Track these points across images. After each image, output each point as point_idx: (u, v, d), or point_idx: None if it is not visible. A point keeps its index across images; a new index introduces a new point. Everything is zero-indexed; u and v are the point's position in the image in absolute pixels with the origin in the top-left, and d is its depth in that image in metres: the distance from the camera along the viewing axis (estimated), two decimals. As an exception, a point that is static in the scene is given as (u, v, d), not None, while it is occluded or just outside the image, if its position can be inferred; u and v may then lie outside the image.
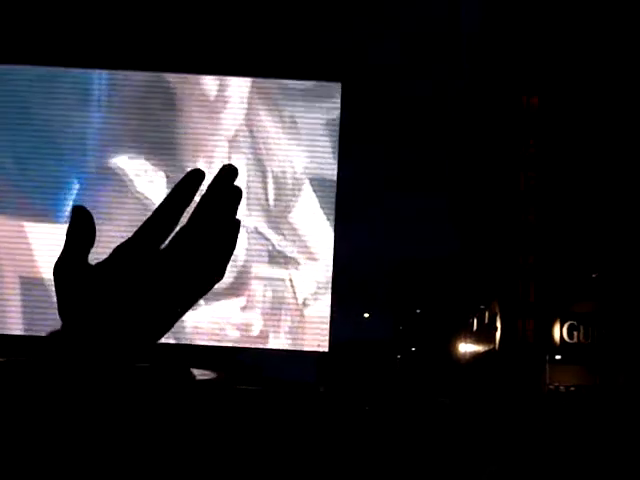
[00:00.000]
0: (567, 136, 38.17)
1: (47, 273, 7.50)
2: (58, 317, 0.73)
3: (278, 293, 10.92)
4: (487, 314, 44.38)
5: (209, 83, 11.49)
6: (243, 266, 11.09)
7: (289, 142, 11.51)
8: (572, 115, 38.14)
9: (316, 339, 10.84)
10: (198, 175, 0.77)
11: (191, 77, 11.43)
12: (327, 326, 10.80)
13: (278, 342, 11.00)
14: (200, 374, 4.88)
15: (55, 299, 0.74)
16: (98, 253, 0.80)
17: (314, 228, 11.05)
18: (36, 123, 11.22)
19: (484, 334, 44.33)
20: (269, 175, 11.17)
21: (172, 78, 11.56)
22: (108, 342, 0.68)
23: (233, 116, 11.52)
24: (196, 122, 11.36)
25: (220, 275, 0.75)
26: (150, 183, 11.40)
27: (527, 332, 38.77)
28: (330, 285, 10.83)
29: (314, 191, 11.39)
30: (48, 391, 0.66)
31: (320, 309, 10.86)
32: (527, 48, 39.91)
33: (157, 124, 11.36)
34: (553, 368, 37.25)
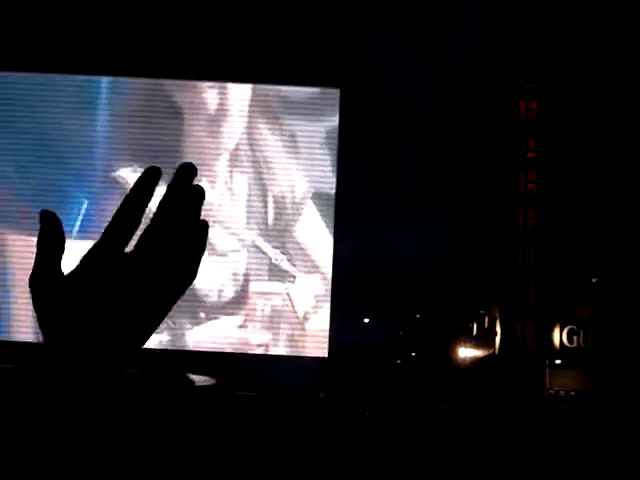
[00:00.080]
0: (567, 140, 38.18)
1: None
2: None
3: (279, 305, 10.92)
4: (487, 319, 44.33)
5: (210, 98, 11.50)
6: (244, 280, 11.10)
7: (288, 155, 11.51)
8: (571, 119, 38.15)
9: (316, 345, 10.83)
10: (154, 173, 0.75)
11: (194, 93, 11.44)
12: (327, 333, 10.80)
13: (279, 349, 10.99)
14: (200, 380, 4.88)
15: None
16: None
17: (315, 237, 11.05)
18: (54, 146, 11.26)
19: (484, 339, 44.28)
20: (269, 190, 11.17)
21: (177, 96, 11.58)
22: (89, 351, 0.67)
23: (234, 130, 11.52)
24: (198, 136, 11.37)
25: (192, 277, 0.74)
26: (154, 196, 11.39)
27: (527, 337, 38.73)
28: (330, 294, 10.86)
29: (313, 200, 11.39)
30: (34, 400, 0.66)
31: (321, 317, 10.86)
32: (526, 52, 39.94)
33: (161, 137, 11.37)
34: (553, 372, 37.20)
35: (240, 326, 10.69)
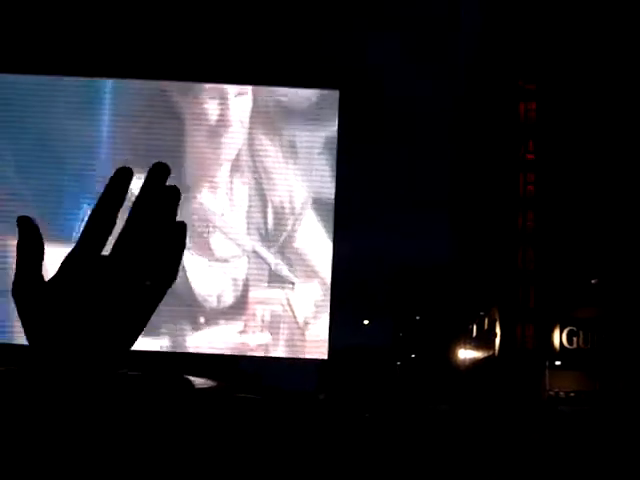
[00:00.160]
0: (566, 142, 38.19)
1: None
2: None
3: (279, 310, 10.96)
4: (487, 320, 44.33)
5: (212, 108, 11.54)
6: (244, 286, 11.14)
7: (288, 163, 11.56)
8: (571, 120, 38.18)
9: (316, 347, 10.85)
10: (126, 174, 0.74)
11: (195, 103, 11.49)
12: (326, 335, 10.83)
13: (278, 350, 11.01)
14: (200, 383, 4.88)
15: None
16: None
17: (314, 243, 11.09)
18: (55, 149, 11.28)
19: (484, 340, 44.28)
20: (269, 197, 11.21)
21: (180, 104, 11.62)
22: (75, 355, 0.67)
23: (235, 139, 11.56)
24: (199, 144, 11.41)
25: (172, 278, 0.73)
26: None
27: (527, 338, 38.73)
28: (329, 297, 10.89)
29: (313, 206, 11.42)
30: (24, 403, 0.66)
31: (320, 320, 10.89)
32: (525, 54, 39.97)
33: (162, 142, 11.40)
34: (553, 374, 37.19)
35: (240, 331, 10.73)
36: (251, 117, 11.28)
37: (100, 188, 0.74)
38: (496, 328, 41.40)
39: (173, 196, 0.73)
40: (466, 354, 47.09)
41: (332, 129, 11.22)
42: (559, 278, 37.27)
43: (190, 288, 10.46)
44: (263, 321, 10.79)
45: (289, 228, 10.90)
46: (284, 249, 10.83)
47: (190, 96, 11.53)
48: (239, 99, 11.42)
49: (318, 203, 10.99)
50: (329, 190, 11.03)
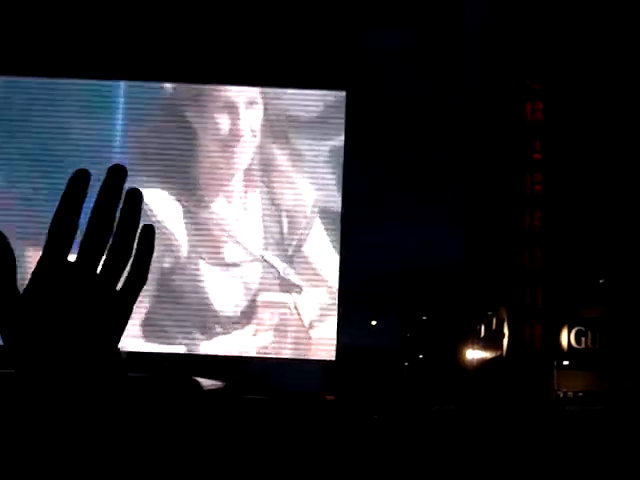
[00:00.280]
0: (573, 141, 38.11)
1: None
2: None
3: (287, 313, 11.03)
4: (494, 320, 44.26)
5: (223, 117, 11.62)
6: (255, 292, 11.22)
7: (297, 173, 11.65)
8: (578, 120, 38.09)
9: (324, 349, 10.88)
10: (83, 176, 0.72)
11: (208, 117, 11.59)
12: (334, 336, 10.87)
13: (287, 351, 11.06)
14: (208, 384, 4.89)
15: None
16: None
17: (322, 250, 11.16)
18: (61, 157, 11.31)
19: (491, 340, 44.20)
20: (279, 207, 11.30)
21: (190, 113, 11.69)
22: (58, 363, 0.67)
23: (246, 150, 11.65)
24: (211, 155, 11.50)
25: (142, 281, 0.72)
26: (168, 212, 11.50)
27: (535, 338, 38.64)
28: (337, 300, 10.95)
29: (320, 214, 11.49)
30: (17, 407, 0.66)
31: (328, 322, 10.93)
32: (532, 54, 39.90)
33: (174, 155, 11.47)
34: (561, 374, 37.11)
35: (250, 334, 10.82)
36: (262, 126, 11.42)
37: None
38: (504, 328, 41.32)
39: (134, 199, 0.72)
40: (474, 354, 47.01)
41: (339, 138, 11.37)
42: (567, 278, 37.18)
43: (203, 293, 10.50)
44: (272, 324, 10.88)
45: (299, 233, 11.01)
46: (293, 256, 10.95)
47: (202, 106, 11.66)
48: (250, 109, 11.58)
49: (326, 212, 11.10)
50: (336, 198, 11.15)
